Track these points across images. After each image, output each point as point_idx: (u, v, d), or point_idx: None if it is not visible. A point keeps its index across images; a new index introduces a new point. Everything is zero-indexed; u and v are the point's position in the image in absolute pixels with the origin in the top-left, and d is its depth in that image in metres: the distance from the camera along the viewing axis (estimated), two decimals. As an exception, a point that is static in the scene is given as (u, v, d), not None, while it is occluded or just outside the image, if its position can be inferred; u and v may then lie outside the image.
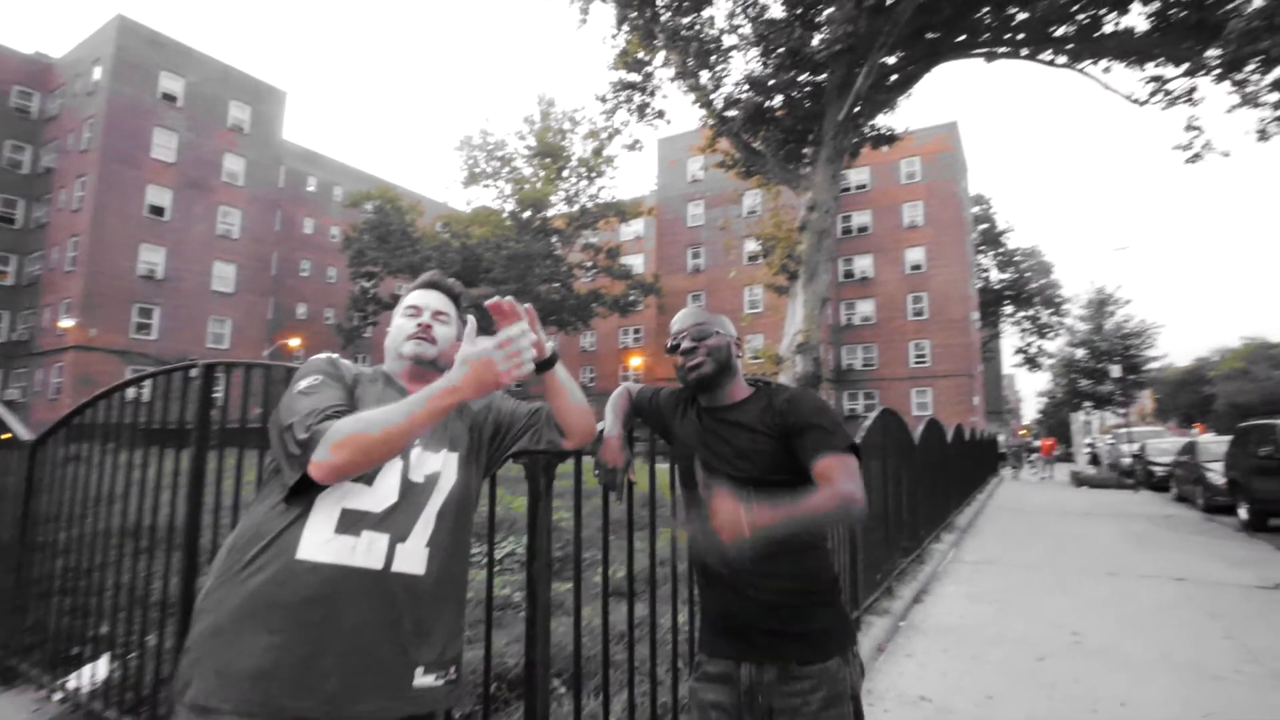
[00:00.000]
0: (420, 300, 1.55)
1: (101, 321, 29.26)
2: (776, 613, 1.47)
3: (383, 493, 1.30)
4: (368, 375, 1.47)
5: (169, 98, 32.62)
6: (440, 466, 1.39)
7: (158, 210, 31.76)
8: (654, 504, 1.96)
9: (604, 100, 15.19)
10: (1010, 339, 50.06)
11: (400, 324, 1.53)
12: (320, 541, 1.23)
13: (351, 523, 1.25)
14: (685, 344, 1.65)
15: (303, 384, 1.35)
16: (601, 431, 1.67)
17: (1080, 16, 11.61)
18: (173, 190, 32.21)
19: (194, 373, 2.74)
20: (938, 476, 8.84)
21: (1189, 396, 71.72)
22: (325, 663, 1.17)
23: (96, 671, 2.93)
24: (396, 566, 1.26)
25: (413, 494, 1.33)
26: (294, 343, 31.18)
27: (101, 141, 30.11)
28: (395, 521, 1.29)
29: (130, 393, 3.11)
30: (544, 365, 1.41)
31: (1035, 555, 7.78)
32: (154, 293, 31.22)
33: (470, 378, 1.22)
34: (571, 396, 1.51)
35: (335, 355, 1.48)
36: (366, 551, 1.25)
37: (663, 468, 2.18)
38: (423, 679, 1.27)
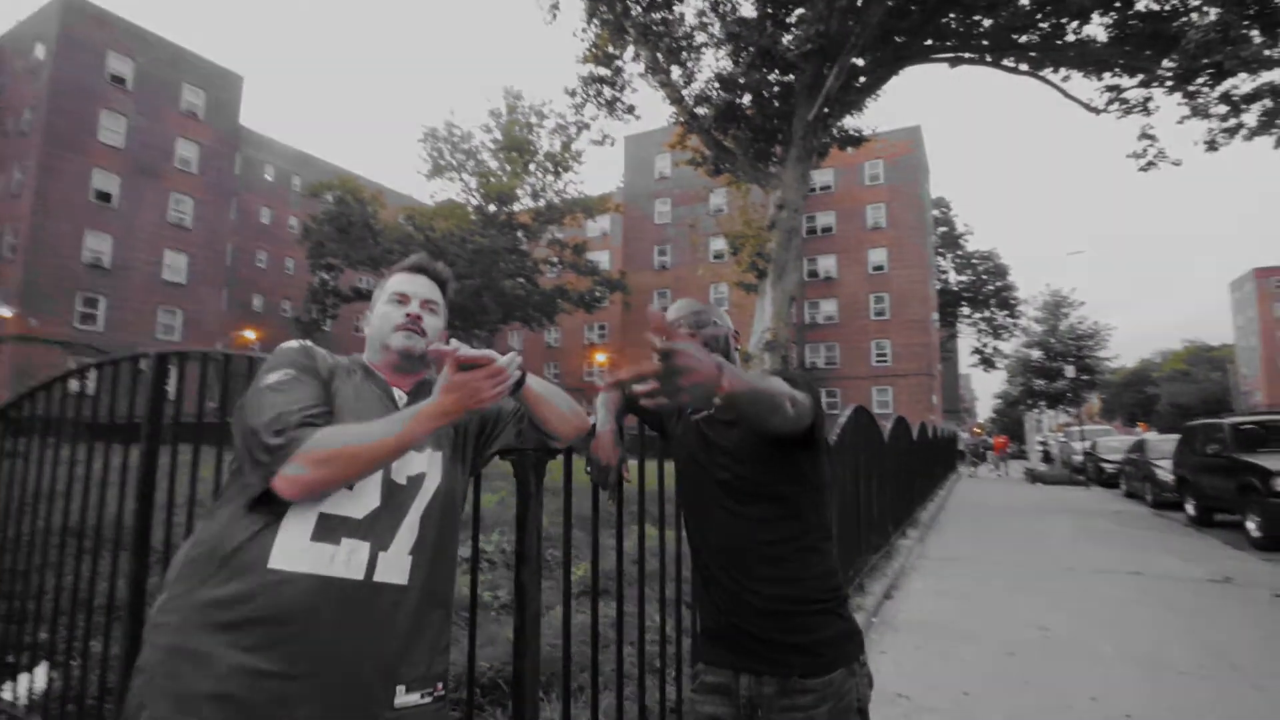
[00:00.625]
0: (408, 287, 1.42)
1: (43, 311, 27.98)
2: (776, 621, 1.39)
3: (364, 496, 1.18)
4: (344, 366, 1.34)
5: (117, 80, 31.34)
6: (425, 466, 1.28)
7: (104, 196, 30.51)
8: (643, 502, 1.88)
9: (573, 94, 15.05)
10: (967, 339, 51.28)
11: (386, 312, 1.40)
12: (295, 550, 1.11)
13: (330, 529, 1.14)
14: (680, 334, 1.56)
15: (272, 378, 1.22)
16: (594, 426, 1.59)
17: (1043, 25, 11.88)
18: (121, 176, 30.97)
19: (144, 363, 2.56)
20: (905, 473, 8.95)
21: (1133, 396, 74.65)
22: (298, 685, 1.06)
23: (34, 681, 2.73)
24: (379, 577, 1.15)
25: (396, 497, 1.22)
26: (250, 335, 30.24)
27: (44, 124, 28.79)
28: (377, 528, 1.18)
29: (74, 384, 2.91)
30: (513, 389, 1.33)
31: (998, 551, 7.92)
32: (100, 282, 29.98)
33: (457, 403, 1.15)
34: (553, 405, 1.43)
35: (309, 343, 1.35)
36: (347, 561, 1.13)
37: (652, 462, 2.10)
38: (405, 698, 1.16)
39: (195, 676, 1.04)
